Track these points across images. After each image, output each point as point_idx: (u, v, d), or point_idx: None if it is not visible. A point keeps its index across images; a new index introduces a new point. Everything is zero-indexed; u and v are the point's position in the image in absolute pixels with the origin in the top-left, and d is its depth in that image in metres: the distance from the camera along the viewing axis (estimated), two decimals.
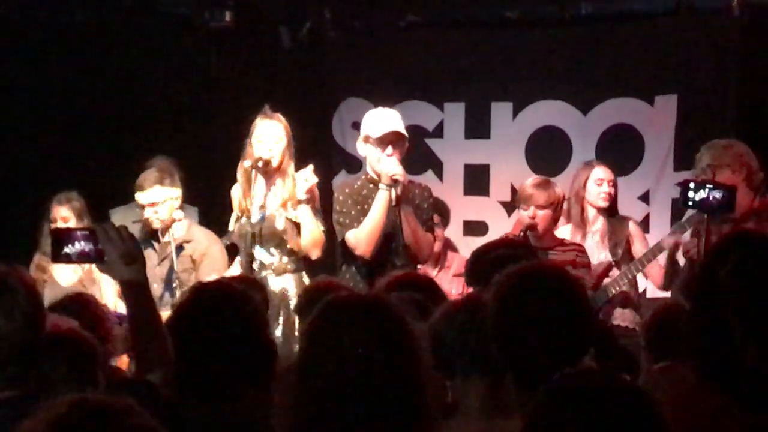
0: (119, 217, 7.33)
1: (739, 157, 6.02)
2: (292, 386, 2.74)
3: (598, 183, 6.86)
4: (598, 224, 6.86)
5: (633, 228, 6.91)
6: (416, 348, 2.75)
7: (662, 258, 6.55)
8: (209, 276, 6.21)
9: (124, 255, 3.33)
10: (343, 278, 6.26)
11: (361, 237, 6.23)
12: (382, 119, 6.30)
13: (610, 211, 6.89)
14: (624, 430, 2.32)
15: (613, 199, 6.88)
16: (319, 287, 5.09)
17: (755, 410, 2.81)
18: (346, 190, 6.42)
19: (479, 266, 4.71)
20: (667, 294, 6.81)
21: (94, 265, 3.79)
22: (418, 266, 6.43)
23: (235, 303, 3.58)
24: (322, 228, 6.36)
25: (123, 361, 5.23)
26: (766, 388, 2.83)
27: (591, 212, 6.88)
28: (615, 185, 6.91)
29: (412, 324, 2.81)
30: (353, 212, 6.29)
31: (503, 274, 3.20)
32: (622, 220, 6.92)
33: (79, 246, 3.39)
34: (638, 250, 6.79)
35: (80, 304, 4.79)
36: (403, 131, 6.26)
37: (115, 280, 3.55)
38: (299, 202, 6.26)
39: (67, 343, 3.83)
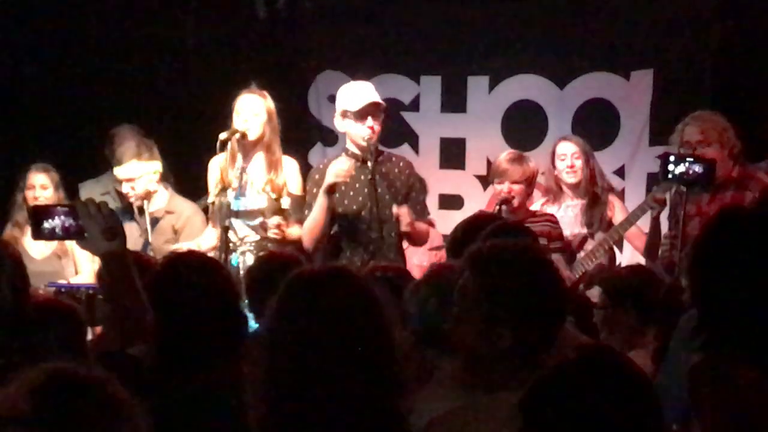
0: (87, 190, 7.38)
1: (724, 132, 6.09)
2: (262, 360, 2.74)
3: (561, 158, 6.87)
4: (576, 201, 6.87)
5: (612, 199, 6.91)
6: (383, 318, 2.76)
7: (643, 225, 6.59)
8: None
9: (105, 230, 3.38)
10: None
11: (305, 232, 6.34)
12: (358, 92, 6.35)
13: (587, 186, 6.84)
14: (621, 408, 2.37)
15: (586, 172, 6.83)
16: (272, 258, 5.10)
17: None
18: (316, 176, 6.45)
19: (463, 240, 4.72)
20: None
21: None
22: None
23: (208, 272, 3.61)
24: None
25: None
26: None
27: (566, 189, 6.90)
28: (582, 157, 6.86)
29: (378, 294, 2.82)
30: (312, 202, 6.34)
31: (473, 249, 3.20)
32: (603, 194, 6.89)
33: (60, 222, 3.43)
34: (619, 219, 6.80)
35: None
36: (381, 100, 6.32)
37: (95, 255, 3.58)
38: (288, 194, 6.35)
39: (55, 314, 3.87)
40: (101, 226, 3.37)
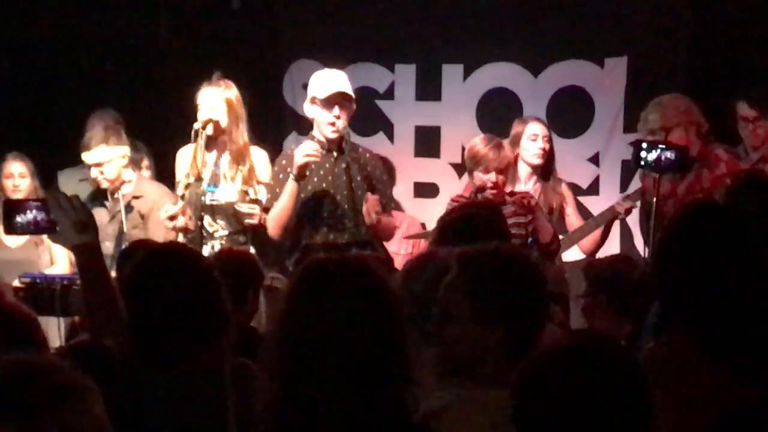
0: (65, 178, 7.44)
1: (687, 114, 6.11)
2: (274, 350, 2.75)
3: (532, 138, 6.82)
4: (530, 185, 6.84)
5: (566, 191, 6.95)
6: (397, 307, 2.77)
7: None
8: (159, 229, 6.40)
9: (77, 223, 3.41)
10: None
11: (270, 219, 6.32)
12: (328, 80, 6.34)
13: (545, 171, 6.86)
14: (613, 392, 2.43)
15: (548, 157, 6.85)
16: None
17: (752, 384, 2.86)
18: (283, 162, 6.44)
19: (450, 228, 4.73)
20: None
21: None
22: None
23: (187, 264, 3.58)
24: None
25: None
26: (762, 363, 2.92)
27: (524, 171, 6.85)
28: (550, 141, 6.90)
29: (392, 283, 2.84)
30: (278, 189, 6.33)
31: (461, 252, 3.29)
32: (556, 182, 6.92)
33: (32, 216, 3.49)
34: (569, 213, 6.87)
35: None
36: (350, 91, 6.31)
37: (67, 248, 3.67)
38: (258, 182, 6.34)
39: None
40: (72, 219, 3.39)
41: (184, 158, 6.46)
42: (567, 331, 4.51)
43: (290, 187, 6.23)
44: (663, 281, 3.15)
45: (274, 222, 6.30)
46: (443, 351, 3.22)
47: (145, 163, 7.61)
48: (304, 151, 6.11)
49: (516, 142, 6.83)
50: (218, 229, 6.40)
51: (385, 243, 6.65)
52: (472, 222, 4.52)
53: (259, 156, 6.48)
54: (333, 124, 6.23)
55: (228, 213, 6.37)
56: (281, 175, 6.35)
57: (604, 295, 4.94)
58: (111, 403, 2.25)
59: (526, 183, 6.82)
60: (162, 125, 7.85)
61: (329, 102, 6.24)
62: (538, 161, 6.81)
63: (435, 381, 3.27)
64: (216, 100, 6.36)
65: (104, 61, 8.32)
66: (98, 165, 6.58)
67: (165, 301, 3.45)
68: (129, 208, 6.63)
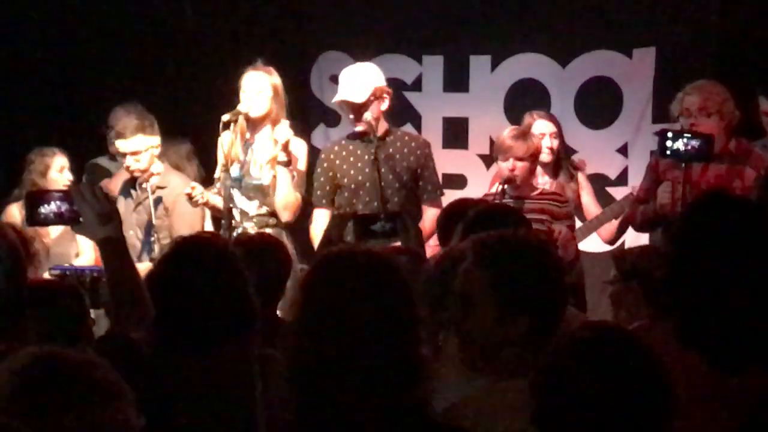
0: (101, 165, 7.47)
1: (725, 103, 6.10)
2: (291, 341, 2.75)
3: (539, 137, 6.82)
4: (544, 180, 6.85)
5: (582, 181, 6.99)
6: (411, 299, 2.76)
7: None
8: (182, 222, 6.50)
9: (100, 215, 3.39)
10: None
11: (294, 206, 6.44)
12: (341, 83, 6.53)
13: (555, 167, 6.89)
14: (634, 385, 2.46)
15: (556, 154, 6.88)
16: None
17: (726, 372, 2.87)
18: (325, 164, 6.60)
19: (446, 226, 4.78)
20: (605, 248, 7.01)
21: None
22: None
23: (215, 257, 3.60)
24: (296, 193, 6.46)
25: None
26: (737, 351, 2.89)
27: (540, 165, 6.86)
28: (558, 137, 6.93)
29: (408, 276, 2.82)
30: (315, 184, 6.57)
31: (476, 240, 3.28)
32: (567, 177, 6.93)
33: (55, 207, 3.45)
34: (586, 201, 6.89)
35: None
36: (353, 98, 6.41)
37: (91, 240, 3.62)
38: (277, 162, 6.38)
39: (53, 296, 3.91)
40: (96, 211, 3.38)
41: (224, 144, 6.47)
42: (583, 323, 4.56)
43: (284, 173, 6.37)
44: (672, 267, 3.14)
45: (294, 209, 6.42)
46: (463, 341, 3.21)
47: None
48: None
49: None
50: (251, 211, 6.43)
51: None
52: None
53: (299, 146, 6.51)
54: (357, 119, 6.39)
55: (257, 194, 6.42)
56: (319, 170, 6.57)
57: (634, 281, 4.96)
58: (138, 395, 2.25)
59: (541, 177, 6.84)
60: (189, 117, 7.88)
61: (341, 108, 6.50)
62: (546, 159, 6.84)
63: (455, 372, 3.26)
64: (264, 85, 6.42)
65: (130, 53, 8.34)
66: (135, 153, 6.60)
67: (190, 292, 3.48)
68: (157, 199, 6.65)
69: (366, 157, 6.43)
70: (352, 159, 6.50)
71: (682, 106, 6.16)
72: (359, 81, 6.46)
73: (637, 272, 5.01)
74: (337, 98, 6.45)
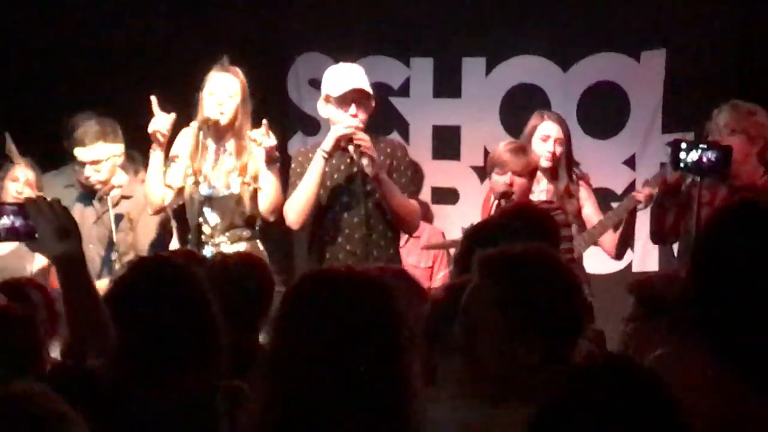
0: (48, 182, 7.27)
1: (760, 127, 6.08)
2: (264, 371, 2.75)
3: (543, 139, 6.78)
4: (543, 184, 6.81)
5: (584, 193, 6.90)
6: (401, 322, 2.76)
7: None
8: (147, 237, 6.56)
9: (58, 230, 3.35)
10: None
11: (291, 205, 6.36)
12: (343, 75, 6.35)
13: (552, 173, 6.81)
14: (646, 417, 2.36)
15: (557, 161, 6.79)
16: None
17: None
18: (299, 158, 6.53)
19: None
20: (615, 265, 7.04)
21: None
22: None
23: (173, 279, 3.58)
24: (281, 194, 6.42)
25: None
26: None
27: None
28: (564, 144, 6.82)
29: (396, 299, 2.81)
30: (298, 183, 6.37)
31: (482, 256, 3.23)
32: (567, 185, 6.84)
33: (8, 221, 3.41)
34: (588, 213, 6.83)
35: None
36: (368, 88, 6.33)
37: (47, 258, 3.62)
38: (271, 161, 6.32)
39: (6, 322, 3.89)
40: (53, 225, 3.35)
41: (184, 144, 6.44)
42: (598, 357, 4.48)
43: (317, 165, 6.27)
44: (697, 284, 3.09)
45: (297, 207, 6.35)
46: (470, 366, 3.18)
47: (141, 175, 7.58)
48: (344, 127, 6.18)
49: (529, 137, 6.80)
50: (225, 225, 6.40)
51: (402, 254, 6.65)
52: (509, 230, 4.40)
53: (260, 153, 6.41)
54: (355, 116, 6.28)
55: (228, 206, 6.38)
56: (299, 170, 6.41)
57: (662, 317, 4.70)
58: (96, 429, 2.29)
59: (538, 182, 6.77)
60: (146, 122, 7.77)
61: (345, 100, 6.28)
62: (546, 164, 6.75)
63: (452, 397, 3.25)
64: (235, 90, 6.36)
65: (93, 53, 8.27)
66: (95, 163, 6.58)
67: (144, 317, 3.45)
68: (119, 215, 6.62)
69: (342, 167, 6.39)
70: (327, 168, 6.39)
71: (714, 123, 6.17)
72: (361, 74, 6.39)
73: (665, 307, 4.88)
74: (348, 86, 6.26)
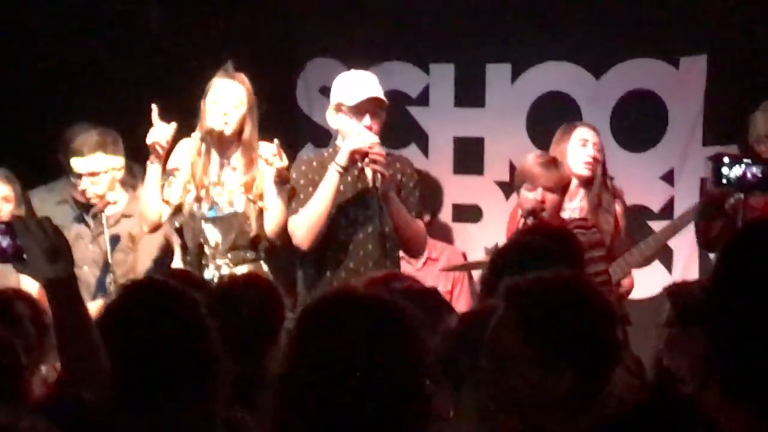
0: (39, 198, 7.27)
1: None
2: (275, 399, 2.77)
3: (581, 143, 6.70)
4: (577, 200, 6.73)
5: (619, 209, 6.84)
6: (418, 349, 2.78)
7: None
8: (149, 257, 6.61)
9: (48, 251, 3.33)
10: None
11: (299, 222, 6.30)
12: (357, 84, 6.33)
13: (589, 184, 6.71)
14: None
15: (597, 168, 6.70)
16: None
17: None
18: (302, 168, 6.46)
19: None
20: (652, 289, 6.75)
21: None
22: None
23: (170, 305, 3.55)
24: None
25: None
26: None
27: (571, 183, 6.64)
28: (602, 151, 6.76)
29: (415, 322, 2.83)
30: (302, 195, 6.34)
31: (510, 284, 3.27)
32: (609, 201, 6.78)
33: None
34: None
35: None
36: (383, 98, 6.31)
37: (36, 281, 3.58)
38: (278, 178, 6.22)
39: None
40: (43, 246, 3.33)
41: (184, 156, 6.37)
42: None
43: (332, 180, 6.21)
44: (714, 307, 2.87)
45: (307, 224, 6.28)
46: (496, 399, 3.21)
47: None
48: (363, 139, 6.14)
49: (561, 150, 6.72)
50: (227, 246, 6.33)
51: (419, 278, 6.51)
52: (535, 252, 4.44)
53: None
54: (369, 128, 6.23)
55: (232, 225, 6.32)
56: (302, 181, 6.35)
57: (697, 327, 4.56)
58: None
59: (571, 199, 6.66)
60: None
61: (359, 110, 6.24)
62: (586, 172, 6.67)
63: (474, 430, 3.33)
64: (241, 99, 6.29)
65: (85, 60, 8.17)
66: (93, 174, 6.52)
67: (139, 347, 3.42)
68: (115, 236, 6.57)
69: (349, 179, 6.34)
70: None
71: (755, 131, 6.26)
72: (375, 82, 6.35)
73: (702, 315, 4.77)
74: (363, 96, 6.24)
